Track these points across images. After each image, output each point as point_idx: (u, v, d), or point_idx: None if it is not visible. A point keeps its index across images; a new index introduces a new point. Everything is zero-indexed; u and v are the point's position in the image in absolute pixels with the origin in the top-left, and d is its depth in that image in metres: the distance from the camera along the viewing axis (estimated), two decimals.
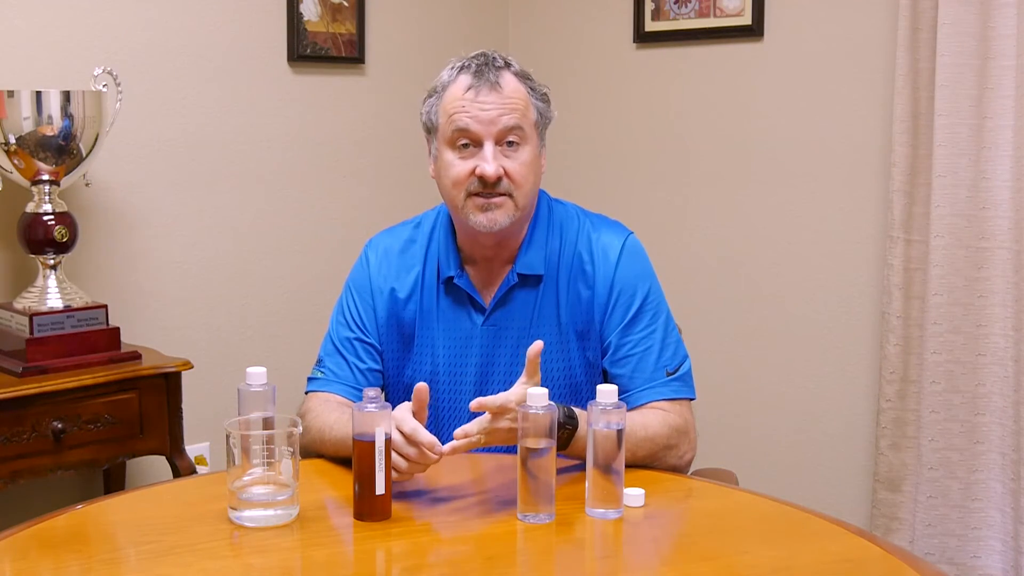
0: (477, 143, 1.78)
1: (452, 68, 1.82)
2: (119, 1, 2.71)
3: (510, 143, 1.78)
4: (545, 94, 1.86)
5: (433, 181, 1.88)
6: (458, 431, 1.62)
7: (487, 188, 1.77)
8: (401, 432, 1.58)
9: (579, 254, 1.88)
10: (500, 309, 1.87)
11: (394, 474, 1.59)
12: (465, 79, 1.79)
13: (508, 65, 1.82)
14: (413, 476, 1.63)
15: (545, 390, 1.54)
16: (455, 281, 1.87)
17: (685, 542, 1.58)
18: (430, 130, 1.85)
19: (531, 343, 1.68)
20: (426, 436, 1.58)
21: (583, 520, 1.56)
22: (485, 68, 1.79)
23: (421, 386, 1.62)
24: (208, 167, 2.91)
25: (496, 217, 1.78)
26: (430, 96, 1.84)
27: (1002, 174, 2.59)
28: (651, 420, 1.78)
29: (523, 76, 1.83)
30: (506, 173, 1.77)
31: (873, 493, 2.87)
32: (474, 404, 1.60)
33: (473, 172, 1.77)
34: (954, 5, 2.58)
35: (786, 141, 3.03)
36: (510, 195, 1.78)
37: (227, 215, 2.96)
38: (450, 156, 1.80)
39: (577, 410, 1.71)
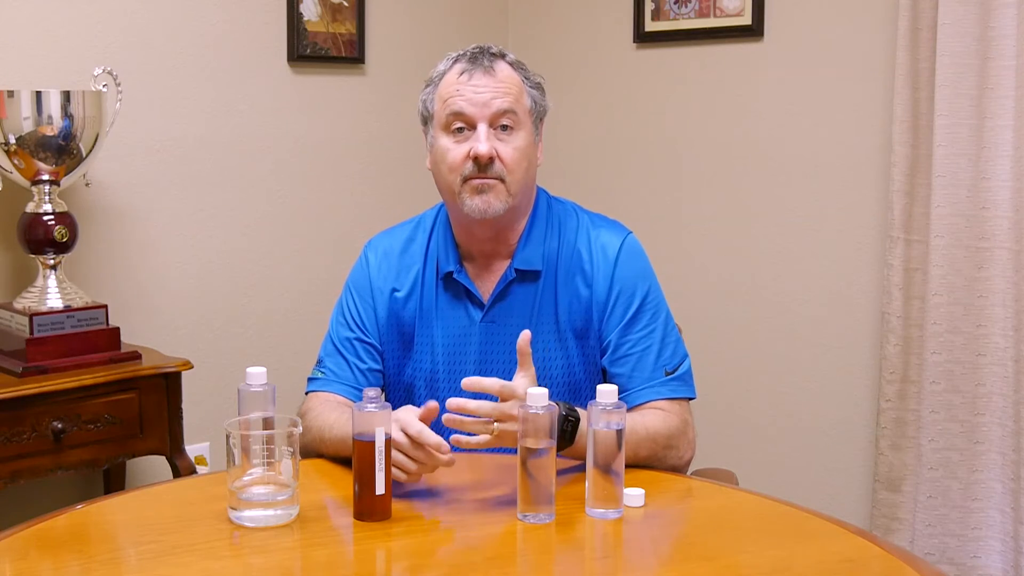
0: (471, 126, 1.79)
1: (448, 59, 1.85)
2: (119, 1, 2.71)
3: (504, 127, 1.79)
4: (539, 84, 1.87)
5: (432, 180, 1.88)
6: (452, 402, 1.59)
7: (480, 170, 1.78)
8: (407, 435, 1.58)
9: (578, 252, 1.88)
10: (498, 304, 1.86)
11: (402, 475, 1.59)
12: (460, 66, 1.82)
13: (503, 55, 1.84)
14: (420, 478, 1.63)
15: (545, 390, 1.53)
16: (454, 276, 1.87)
17: (685, 542, 1.58)
18: (426, 120, 1.86)
19: None
20: (433, 437, 1.57)
21: (583, 520, 1.56)
22: (480, 55, 1.82)
23: (432, 404, 1.61)
24: (208, 167, 2.91)
25: (489, 200, 1.78)
26: (427, 86, 1.86)
27: (1002, 174, 2.58)
28: (651, 420, 1.78)
29: (517, 65, 1.85)
30: (499, 156, 1.78)
31: (873, 493, 2.86)
32: (467, 383, 1.58)
33: (468, 155, 1.78)
34: (954, 5, 2.58)
35: (786, 141, 3.03)
36: (502, 179, 1.79)
37: (227, 215, 2.96)
38: (445, 141, 1.81)
39: (579, 409, 1.70)
